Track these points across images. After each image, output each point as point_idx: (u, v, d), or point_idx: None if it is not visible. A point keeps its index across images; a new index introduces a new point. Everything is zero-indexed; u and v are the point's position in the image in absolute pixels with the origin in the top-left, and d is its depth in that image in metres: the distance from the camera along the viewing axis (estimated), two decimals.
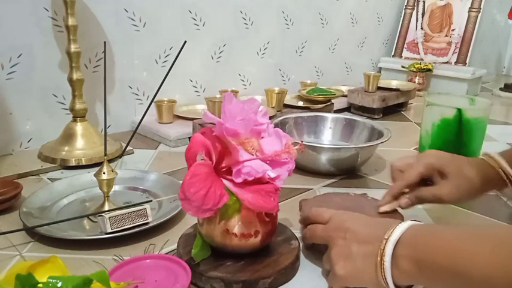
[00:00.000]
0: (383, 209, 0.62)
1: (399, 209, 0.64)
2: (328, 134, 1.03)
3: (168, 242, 0.61)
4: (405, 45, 1.87)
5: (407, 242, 0.43)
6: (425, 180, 0.62)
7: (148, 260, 0.52)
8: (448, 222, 0.72)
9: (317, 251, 0.58)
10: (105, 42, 0.71)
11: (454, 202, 0.61)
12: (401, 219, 0.60)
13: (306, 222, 0.58)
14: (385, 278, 0.44)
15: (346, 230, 0.49)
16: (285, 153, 0.51)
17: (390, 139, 0.88)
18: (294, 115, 1.04)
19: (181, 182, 0.47)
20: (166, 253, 0.57)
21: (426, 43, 1.82)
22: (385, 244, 0.44)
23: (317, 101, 1.26)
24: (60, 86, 0.98)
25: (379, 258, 0.44)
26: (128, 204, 0.66)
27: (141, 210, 0.62)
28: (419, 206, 0.75)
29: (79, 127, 0.92)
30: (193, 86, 1.27)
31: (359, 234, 0.48)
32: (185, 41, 0.64)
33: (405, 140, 1.11)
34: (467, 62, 1.71)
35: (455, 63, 1.73)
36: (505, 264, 0.36)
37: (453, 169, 0.60)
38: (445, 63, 1.75)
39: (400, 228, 0.45)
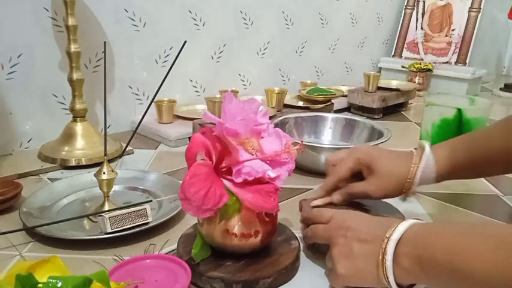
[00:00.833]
0: (315, 202, 0.62)
1: (399, 208, 0.64)
2: (328, 134, 1.03)
3: (168, 242, 0.61)
4: (405, 45, 1.87)
5: (409, 241, 0.43)
6: (359, 175, 0.62)
7: (148, 260, 0.52)
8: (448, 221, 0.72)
9: (317, 251, 0.58)
10: (105, 42, 0.71)
11: (381, 197, 0.61)
12: (402, 218, 0.60)
13: (307, 222, 0.58)
14: (387, 277, 0.44)
15: (347, 228, 0.49)
16: (285, 153, 0.51)
17: (390, 139, 0.88)
18: (294, 115, 1.04)
19: (181, 182, 0.47)
20: (166, 253, 0.57)
21: (426, 43, 1.82)
22: (387, 243, 0.44)
23: (317, 101, 1.26)
24: (60, 86, 0.98)
25: (380, 257, 0.44)
26: (127, 204, 0.66)
27: (141, 210, 0.61)
28: (420, 206, 0.75)
29: (79, 127, 0.92)
30: (193, 86, 1.27)
31: (360, 232, 0.48)
32: (185, 41, 0.64)
33: (405, 140, 1.11)
34: (467, 62, 1.71)
35: (455, 63, 1.73)
36: (506, 264, 0.36)
37: (380, 165, 0.60)
38: (445, 63, 1.75)
39: (402, 227, 0.45)
